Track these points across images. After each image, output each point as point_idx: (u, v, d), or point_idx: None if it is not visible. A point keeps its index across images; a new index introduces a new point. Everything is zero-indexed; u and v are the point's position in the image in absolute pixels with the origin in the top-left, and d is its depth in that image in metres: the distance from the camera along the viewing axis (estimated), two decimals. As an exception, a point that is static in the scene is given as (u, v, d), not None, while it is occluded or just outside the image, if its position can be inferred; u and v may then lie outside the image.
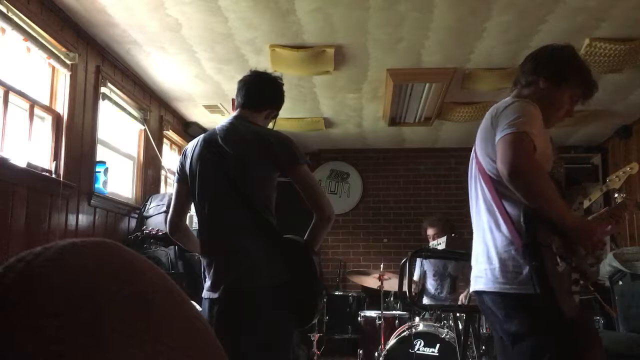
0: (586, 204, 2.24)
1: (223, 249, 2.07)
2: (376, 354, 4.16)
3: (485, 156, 1.90)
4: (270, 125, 2.35)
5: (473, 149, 2.00)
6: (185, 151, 2.26)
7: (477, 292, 1.93)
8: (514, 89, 2.04)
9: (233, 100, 2.31)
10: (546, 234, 1.70)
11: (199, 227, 2.20)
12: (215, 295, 2.04)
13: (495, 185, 1.84)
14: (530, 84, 1.97)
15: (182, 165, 2.24)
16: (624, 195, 2.10)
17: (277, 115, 2.34)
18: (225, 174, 2.09)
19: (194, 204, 2.21)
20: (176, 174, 2.29)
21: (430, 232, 4.71)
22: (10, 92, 3.09)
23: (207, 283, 2.11)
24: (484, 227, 1.89)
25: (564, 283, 1.69)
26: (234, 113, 2.26)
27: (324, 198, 2.12)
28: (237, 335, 1.96)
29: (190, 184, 2.19)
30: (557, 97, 1.95)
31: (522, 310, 1.76)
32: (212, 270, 2.08)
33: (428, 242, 4.78)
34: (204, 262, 2.15)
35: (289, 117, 5.49)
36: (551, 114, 1.95)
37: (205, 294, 2.11)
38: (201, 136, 2.24)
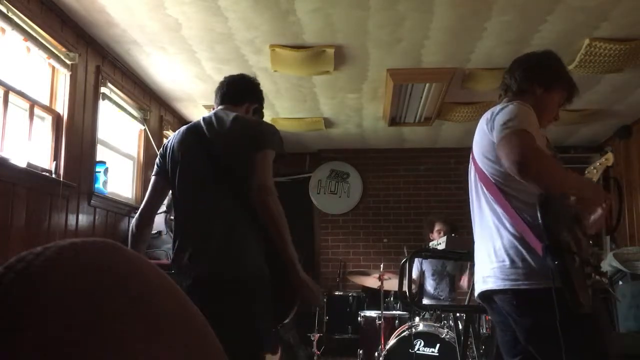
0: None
1: (202, 234, 2.03)
2: (376, 354, 4.16)
3: (483, 158, 1.92)
4: None
5: (471, 155, 2.02)
6: (165, 144, 2.27)
7: (485, 295, 1.91)
8: (504, 96, 2.05)
9: (212, 107, 2.36)
10: (561, 230, 1.72)
11: (175, 213, 2.18)
12: (190, 282, 1.98)
13: (499, 185, 1.86)
14: (524, 92, 2.00)
15: (162, 157, 2.24)
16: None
17: (258, 110, 2.37)
18: (209, 157, 2.10)
19: (173, 192, 2.20)
20: (155, 167, 2.28)
21: (438, 227, 4.75)
22: (10, 92, 3.09)
23: (181, 269, 2.03)
24: (490, 227, 1.89)
25: (579, 278, 1.70)
26: (216, 108, 2.30)
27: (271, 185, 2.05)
28: (214, 328, 1.92)
29: (170, 172, 2.18)
30: (550, 102, 2.01)
31: (537, 306, 1.75)
32: (187, 256, 2.02)
33: (430, 237, 4.80)
34: (177, 245, 2.08)
35: (289, 117, 5.49)
36: (543, 118, 1.99)
37: (178, 278, 2.01)
38: (184, 126, 2.27)
